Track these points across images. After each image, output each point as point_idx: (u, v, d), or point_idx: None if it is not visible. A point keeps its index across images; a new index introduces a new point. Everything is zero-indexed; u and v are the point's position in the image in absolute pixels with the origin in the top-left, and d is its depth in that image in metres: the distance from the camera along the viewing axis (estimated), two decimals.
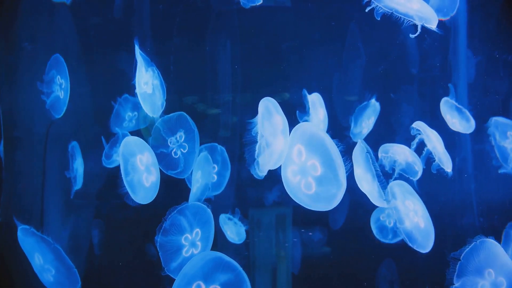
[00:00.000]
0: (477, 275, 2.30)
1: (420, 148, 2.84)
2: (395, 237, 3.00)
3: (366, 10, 2.38)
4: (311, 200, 2.29)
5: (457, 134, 3.00)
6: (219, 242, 2.94)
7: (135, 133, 3.03)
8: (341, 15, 3.06)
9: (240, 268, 2.34)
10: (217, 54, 3.07)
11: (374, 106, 3.17)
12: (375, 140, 3.01)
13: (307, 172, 2.28)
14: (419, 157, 2.85)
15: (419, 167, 2.85)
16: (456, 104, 2.98)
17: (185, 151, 2.88)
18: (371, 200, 2.51)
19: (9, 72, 3.36)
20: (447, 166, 2.82)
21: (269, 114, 2.40)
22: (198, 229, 2.56)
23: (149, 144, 2.80)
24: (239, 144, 3.06)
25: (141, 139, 2.75)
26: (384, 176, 2.55)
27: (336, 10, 3.08)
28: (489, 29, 3.13)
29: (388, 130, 3.15)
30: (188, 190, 2.90)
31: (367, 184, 2.47)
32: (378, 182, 2.50)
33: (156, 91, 2.86)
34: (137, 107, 3.03)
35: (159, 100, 2.89)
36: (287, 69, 3.12)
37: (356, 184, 2.46)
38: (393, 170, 2.84)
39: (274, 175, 2.45)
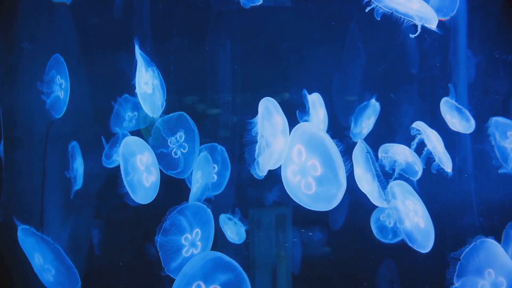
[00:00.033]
0: (477, 275, 2.30)
1: (420, 148, 2.84)
2: (395, 237, 3.00)
3: (366, 10, 2.38)
4: (311, 200, 2.29)
5: (457, 134, 3.00)
6: (219, 242, 2.94)
7: (135, 133, 3.03)
8: (341, 15, 3.06)
9: (240, 268, 2.33)
10: (217, 54, 3.07)
11: (374, 106, 3.17)
12: (375, 140, 3.01)
13: (307, 172, 2.28)
14: (419, 157, 2.85)
15: (419, 167, 2.85)
16: (456, 104, 2.98)
17: (185, 151, 2.88)
18: (371, 200, 2.51)
19: (9, 72, 3.36)
20: (447, 166, 2.82)
21: (269, 114, 2.40)
22: (198, 229, 2.56)
23: (149, 144, 2.80)
24: (239, 144, 3.06)
25: (141, 139, 2.75)
26: (384, 176, 2.55)
27: (336, 10, 3.08)
28: (489, 29, 3.13)
29: (388, 130, 3.15)
30: (188, 190, 2.90)
31: (367, 184, 2.47)
32: (378, 182, 2.50)
33: (156, 91, 2.86)
34: (137, 107, 3.03)
35: (159, 100, 2.89)
36: (287, 69, 3.12)
37: (356, 184, 2.46)
38: (393, 170, 2.84)
39: (274, 175, 2.46)
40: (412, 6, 2.42)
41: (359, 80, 3.17)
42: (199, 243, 2.56)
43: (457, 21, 2.99)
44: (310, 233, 3.17)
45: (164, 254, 2.47)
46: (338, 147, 2.25)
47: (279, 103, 2.45)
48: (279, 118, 2.43)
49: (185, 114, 2.88)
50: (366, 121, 3.17)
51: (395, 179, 2.80)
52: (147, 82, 2.81)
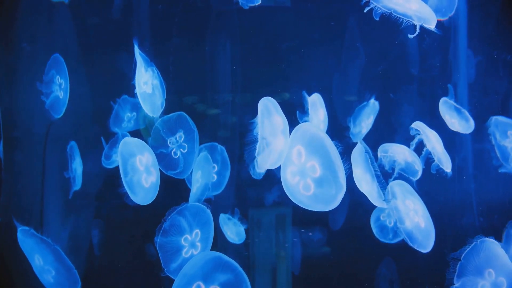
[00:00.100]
0: (477, 275, 2.29)
1: (419, 148, 2.84)
2: (396, 236, 3.00)
3: (365, 11, 2.38)
4: (309, 201, 2.28)
5: (457, 134, 2.99)
6: (219, 242, 2.94)
7: (135, 133, 3.02)
8: (341, 15, 3.06)
9: (240, 268, 2.33)
10: (217, 54, 3.07)
11: (373, 105, 3.17)
12: (374, 140, 3.01)
13: (306, 174, 2.27)
14: (419, 157, 2.85)
15: (418, 167, 2.84)
16: (455, 104, 2.98)
17: (184, 151, 2.88)
18: (371, 200, 2.51)
19: (8, 72, 3.36)
20: (447, 166, 2.81)
21: (268, 113, 2.40)
22: (197, 230, 2.56)
23: (148, 145, 2.80)
24: (239, 144, 3.06)
25: (141, 140, 2.74)
26: (384, 176, 2.55)
27: (335, 10, 3.08)
28: (488, 29, 3.13)
29: (387, 130, 3.15)
30: (188, 190, 2.90)
31: (366, 184, 2.47)
32: (378, 183, 2.50)
33: (156, 91, 2.86)
34: (136, 107, 3.03)
35: (159, 100, 2.88)
36: (287, 69, 3.12)
37: (356, 184, 2.46)
38: (393, 169, 2.84)
39: (274, 175, 2.45)
40: (411, 7, 2.42)
41: (359, 80, 3.17)
42: (198, 244, 2.55)
43: (457, 21, 2.98)
44: (310, 233, 3.17)
45: (163, 255, 2.47)
46: (337, 148, 2.25)
47: (279, 103, 2.45)
48: (279, 118, 2.43)
49: (184, 114, 2.88)
50: (365, 121, 3.17)
51: (395, 178, 2.79)
52: (147, 82, 2.81)
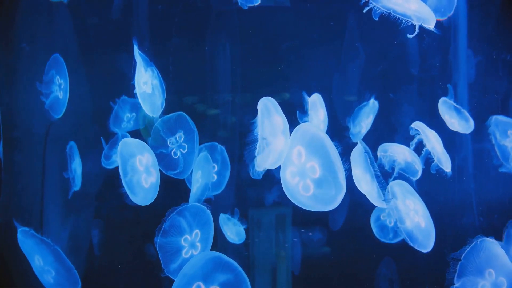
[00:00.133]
0: (477, 275, 2.29)
1: (419, 148, 2.84)
2: (396, 236, 3.00)
3: (364, 11, 2.38)
4: (308, 202, 2.28)
5: (457, 133, 2.99)
6: (219, 242, 2.94)
7: (135, 133, 3.02)
8: (341, 15, 3.06)
9: (240, 268, 2.33)
10: (217, 54, 3.07)
11: (372, 105, 3.17)
12: (374, 140, 3.01)
13: (306, 174, 2.27)
14: (418, 157, 2.85)
15: (418, 167, 2.84)
16: (454, 104, 2.98)
17: (184, 152, 2.88)
18: (370, 200, 2.51)
19: (8, 72, 3.36)
20: (446, 166, 2.81)
21: (268, 113, 2.40)
22: (197, 230, 2.56)
23: (148, 145, 2.80)
24: (239, 144, 3.06)
25: (140, 140, 2.74)
26: (384, 176, 2.55)
27: (335, 10, 3.08)
28: (488, 29, 3.13)
29: (387, 130, 3.15)
30: (188, 190, 2.89)
31: (366, 184, 2.47)
32: (377, 183, 2.50)
33: (156, 90, 2.86)
34: (135, 108, 3.03)
35: (159, 100, 2.88)
36: (287, 69, 3.11)
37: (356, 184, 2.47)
38: (393, 169, 2.84)
39: (274, 175, 2.45)
40: (410, 7, 2.42)
41: (359, 80, 3.17)
42: (198, 244, 2.55)
43: (456, 21, 2.98)
44: (310, 233, 3.17)
45: (163, 255, 2.47)
46: (337, 148, 2.25)
47: (279, 103, 2.44)
48: (279, 118, 2.43)
49: (184, 114, 2.88)
50: (364, 120, 3.17)
51: (395, 178, 2.79)
52: (147, 81, 2.81)
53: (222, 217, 3.01)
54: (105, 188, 3.15)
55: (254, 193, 3.11)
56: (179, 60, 3.07)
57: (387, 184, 2.62)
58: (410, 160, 2.85)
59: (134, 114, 3.06)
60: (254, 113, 2.38)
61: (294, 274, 3.13)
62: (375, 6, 2.37)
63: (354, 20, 3.04)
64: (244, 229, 3.04)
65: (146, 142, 2.79)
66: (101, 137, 3.06)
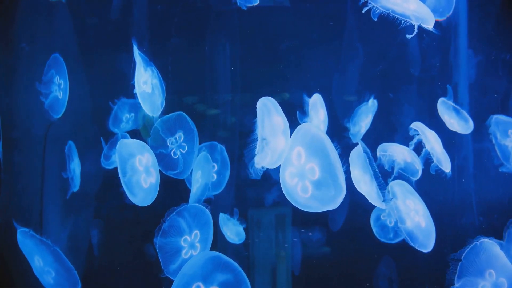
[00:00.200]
0: (478, 276, 2.29)
1: (418, 149, 2.84)
2: (396, 236, 3.00)
3: (363, 11, 2.38)
4: (307, 203, 2.28)
5: (456, 133, 2.99)
6: (219, 242, 2.94)
7: (135, 133, 3.02)
8: (340, 15, 3.06)
9: (240, 268, 2.33)
10: (217, 54, 3.07)
11: (371, 104, 3.16)
12: (374, 140, 3.00)
13: (305, 176, 2.27)
14: (418, 157, 2.85)
15: (418, 167, 2.84)
16: (453, 104, 2.97)
17: (184, 151, 2.88)
18: (370, 201, 2.51)
19: (8, 72, 3.36)
20: (446, 166, 2.81)
21: (268, 112, 2.39)
22: (197, 231, 2.55)
23: (147, 145, 2.79)
24: (239, 144, 3.06)
25: (139, 141, 2.74)
26: (383, 176, 2.54)
27: (334, 10, 3.08)
28: (488, 29, 3.12)
29: (387, 130, 3.15)
30: (188, 190, 2.89)
31: (365, 185, 2.47)
32: (377, 183, 2.49)
33: (156, 90, 2.86)
34: (134, 108, 3.03)
35: (159, 99, 2.88)
36: (287, 69, 3.11)
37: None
38: (392, 169, 2.83)
39: (273, 175, 2.45)
40: (409, 7, 2.42)
41: (358, 80, 3.17)
42: (198, 245, 2.55)
43: (456, 21, 2.98)
44: (310, 233, 3.17)
45: (163, 256, 2.47)
46: (336, 149, 2.24)
47: (279, 103, 2.44)
48: (279, 118, 2.42)
49: (184, 114, 2.88)
50: (364, 120, 3.17)
51: (394, 178, 2.79)
52: (146, 81, 2.81)
53: (222, 217, 3.01)
54: (104, 188, 3.15)
55: (254, 193, 3.11)
56: (179, 60, 3.07)
57: (387, 184, 2.62)
58: (410, 160, 2.85)
59: (133, 114, 3.05)
60: (254, 113, 2.38)
61: (294, 274, 3.13)
62: (374, 6, 2.37)
63: (353, 20, 3.04)
64: (244, 229, 3.04)
65: (145, 142, 2.79)
66: (101, 137, 3.05)
